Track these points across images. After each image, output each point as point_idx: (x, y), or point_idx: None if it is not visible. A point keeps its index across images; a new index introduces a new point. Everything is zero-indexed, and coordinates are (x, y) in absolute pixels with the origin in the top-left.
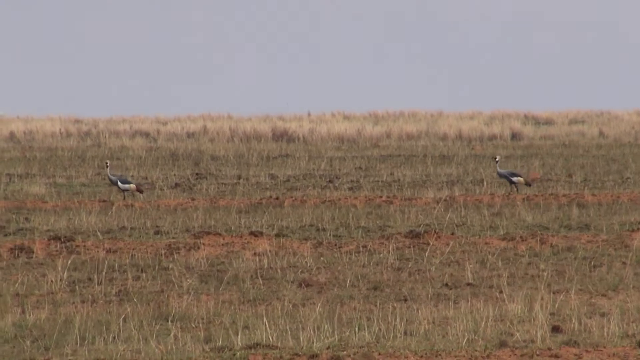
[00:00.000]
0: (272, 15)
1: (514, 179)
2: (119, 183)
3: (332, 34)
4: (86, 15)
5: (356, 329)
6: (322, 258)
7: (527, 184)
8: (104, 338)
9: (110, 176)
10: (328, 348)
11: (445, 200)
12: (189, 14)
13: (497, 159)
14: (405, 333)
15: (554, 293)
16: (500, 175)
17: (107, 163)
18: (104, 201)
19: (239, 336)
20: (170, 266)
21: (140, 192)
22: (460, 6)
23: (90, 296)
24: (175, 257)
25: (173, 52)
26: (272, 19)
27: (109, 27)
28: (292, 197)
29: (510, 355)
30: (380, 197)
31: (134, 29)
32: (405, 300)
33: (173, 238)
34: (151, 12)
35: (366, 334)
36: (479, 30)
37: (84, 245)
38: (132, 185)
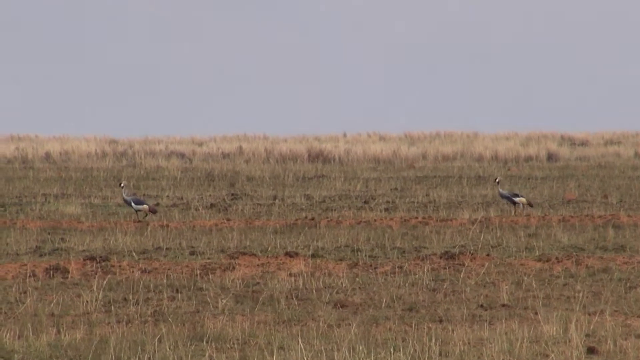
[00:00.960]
0: (306, 36)
1: (516, 199)
2: (133, 204)
3: (367, 56)
4: (122, 37)
5: (391, 350)
6: (357, 279)
7: (530, 205)
8: (139, 358)
9: (124, 197)
10: None
11: (480, 221)
12: (225, 35)
13: (497, 180)
14: (440, 354)
15: (589, 314)
16: (502, 197)
17: (121, 184)
18: (140, 221)
19: (274, 357)
20: (205, 286)
21: (154, 212)
22: (496, 27)
23: (125, 316)
24: (211, 277)
25: (209, 72)
26: (307, 40)
27: (145, 47)
28: (327, 217)
29: None
30: (416, 218)
31: (170, 49)
32: (441, 321)
33: (208, 258)
34: (187, 33)
35: (401, 355)
36: (515, 52)
37: (120, 266)
38: (145, 206)
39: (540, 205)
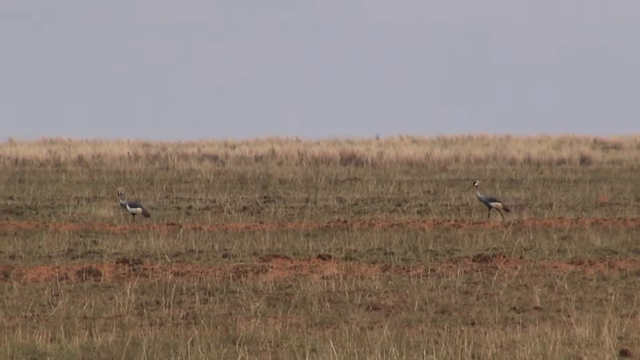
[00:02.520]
0: (336, 38)
1: (492, 204)
2: (128, 207)
3: (400, 58)
4: (155, 39)
5: (424, 353)
6: (390, 281)
7: (506, 210)
8: None
9: (120, 202)
10: None
11: (513, 224)
12: (258, 38)
13: (476, 184)
14: (472, 357)
15: (622, 317)
16: (480, 200)
17: (119, 192)
18: (172, 224)
19: (306, 359)
20: (237, 289)
21: (147, 215)
22: (527, 29)
23: (157, 319)
24: (243, 280)
25: (242, 75)
26: (338, 42)
27: (178, 50)
28: (360, 220)
29: None
30: (449, 220)
31: (203, 52)
32: (473, 324)
33: (241, 261)
34: (220, 35)
35: (434, 357)
36: (547, 55)
37: (152, 268)
38: (139, 209)
39: (573, 208)
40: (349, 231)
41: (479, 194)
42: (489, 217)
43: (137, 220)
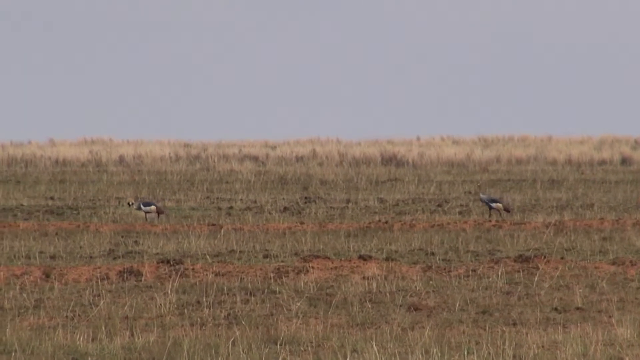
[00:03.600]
0: (380, 39)
1: (493, 204)
2: (142, 206)
3: (441, 58)
4: (196, 40)
5: (465, 353)
6: (431, 282)
7: (507, 210)
8: None
9: (134, 209)
10: None
11: (554, 224)
12: (300, 38)
13: (479, 184)
14: (514, 357)
15: None
16: (482, 201)
17: (129, 202)
18: (213, 225)
19: None
20: (279, 289)
21: (161, 213)
22: (571, 30)
23: (199, 319)
24: (284, 280)
25: (283, 76)
26: (378, 44)
27: (219, 51)
28: (401, 221)
29: None
30: (490, 221)
31: (243, 53)
32: (515, 324)
33: (282, 261)
34: (261, 37)
35: (475, 357)
36: (589, 55)
37: (193, 269)
38: (153, 207)
39: (614, 208)
40: (390, 232)
41: (481, 194)
42: (490, 217)
43: (152, 219)
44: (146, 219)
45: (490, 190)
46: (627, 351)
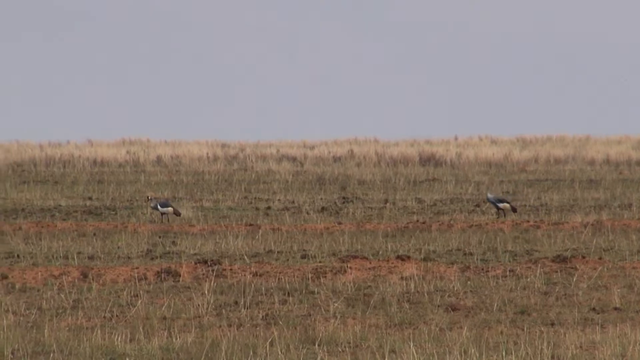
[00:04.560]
0: (417, 39)
1: (500, 204)
2: (159, 207)
3: (480, 58)
4: (233, 42)
5: (503, 353)
6: (469, 282)
7: (514, 210)
8: None
9: (151, 206)
10: None
11: (592, 224)
12: (337, 39)
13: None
14: (552, 358)
15: None
16: (489, 200)
17: (149, 197)
18: (251, 225)
19: None
20: (317, 290)
21: (178, 214)
22: (606, 29)
23: (236, 320)
24: (322, 280)
25: (320, 76)
26: (419, 44)
27: (256, 51)
28: (439, 221)
29: None
30: (528, 221)
31: (280, 53)
32: (553, 324)
33: (320, 262)
34: (298, 38)
35: (513, 358)
36: (625, 54)
37: (231, 269)
38: (170, 209)
39: None
40: (427, 232)
41: (488, 194)
42: (497, 217)
43: (168, 219)
44: (162, 220)
45: (529, 190)
46: None
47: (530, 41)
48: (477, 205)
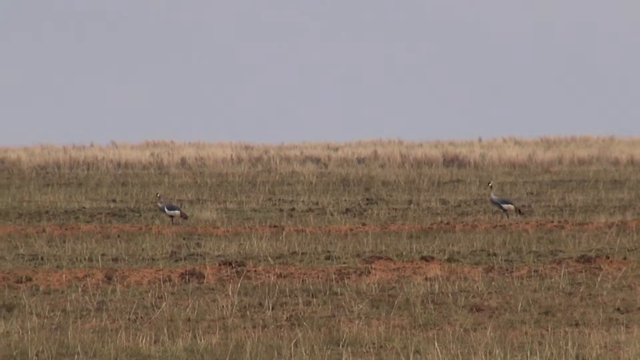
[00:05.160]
0: (442, 40)
1: (505, 206)
2: (166, 209)
3: (504, 59)
4: (257, 43)
5: (528, 354)
6: (493, 283)
7: (518, 211)
8: None
9: (159, 205)
10: None
11: (617, 225)
12: (361, 40)
13: (490, 185)
14: (576, 358)
15: None
16: (493, 202)
17: (157, 195)
18: (275, 226)
19: None
20: (341, 291)
21: (185, 217)
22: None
23: (261, 321)
24: (346, 282)
25: (344, 78)
26: (441, 44)
27: (279, 53)
28: (463, 222)
29: None
30: (552, 222)
31: (304, 55)
32: (577, 324)
33: (344, 263)
34: (322, 38)
35: (537, 358)
36: None
37: (255, 270)
38: (177, 212)
39: None
40: (452, 233)
41: (492, 195)
42: (501, 217)
43: (175, 222)
44: (172, 222)
45: (553, 191)
46: None
47: (555, 42)
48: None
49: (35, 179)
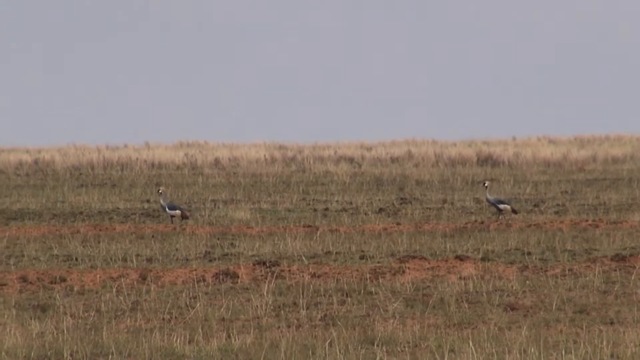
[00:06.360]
0: (476, 39)
1: (501, 206)
2: (167, 209)
3: (538, 59)
4: (292, 44)
5: (563, 352)
6: (527, 282)
7: (514, 212)
8: None
9: (162, 202)
10: None
11: None
12: (396, 41)
13: (485, 185)
14: (611, 356)
15: None
16: (489, 202)
17: (159, 190)
18: (309, 226)
19: None
20: (375, 290)
21: (186, 218)
22: None
23: (295, 321)
24: (381, 281)
25: (376, 78)
26: (479, 44)
27: (312, 53)
28: (497, 221)
29: None
30: (586, 220)
31: (336, 55)
32: (612, 323)
33: (378, 262)
34: (356, 40)
35: (573, 357)
36: None
37: (289, 270)
38: (178, 212)
39: None
40: (486, 232)
41: (488, 195)
42: (498, 218)
43: (176, 222)
44: (171, 221)
45: (587, 190)
46: None
47: (588, 41)
48: (536, 205)
49: (69, 179)
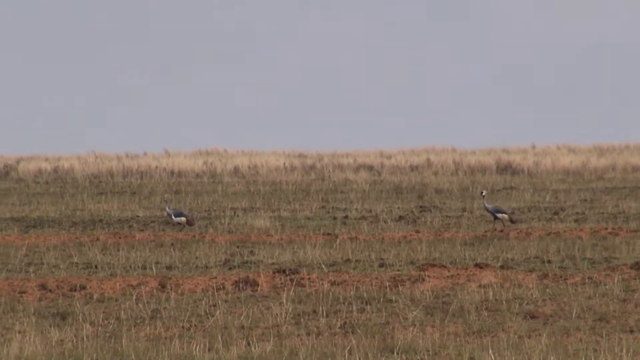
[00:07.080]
0: (495, 47)
1: (498, 215)
2: (173, 216)
3: (557, 67)
4: (312, 52)
5: None
6: (547, 290)
7: (512, 221)
8: None
9: (167, 210)
10: None
11: None
12: (416, 48)
13: (483, 194)
14: None
15: None
16: (487, 210)
17: (165, 198)
18: (329, 234)
19: None
20: (395, 298)
21: (191, 224)
22: None
23: (315, 328)
24: (400, 289)
25: (396, 86)
26: (496, 52)
27: (333, 61)
28: (517, 229)
29: None
30: (606, 229)
31: (358, 63)
32: (632, 331)
33: (398, 270)
34: (374, 48)
35: None
36: None
37: (309, 278)
38: (183, 219)
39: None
40: (505, 240)
41: (486, 204)
42: (496, 227)
43: (182, 229)
44: (178, 229)
45: (606, 198)
46: None
47: (606, 50)
48: (555, 213)
49: (88, 187)
